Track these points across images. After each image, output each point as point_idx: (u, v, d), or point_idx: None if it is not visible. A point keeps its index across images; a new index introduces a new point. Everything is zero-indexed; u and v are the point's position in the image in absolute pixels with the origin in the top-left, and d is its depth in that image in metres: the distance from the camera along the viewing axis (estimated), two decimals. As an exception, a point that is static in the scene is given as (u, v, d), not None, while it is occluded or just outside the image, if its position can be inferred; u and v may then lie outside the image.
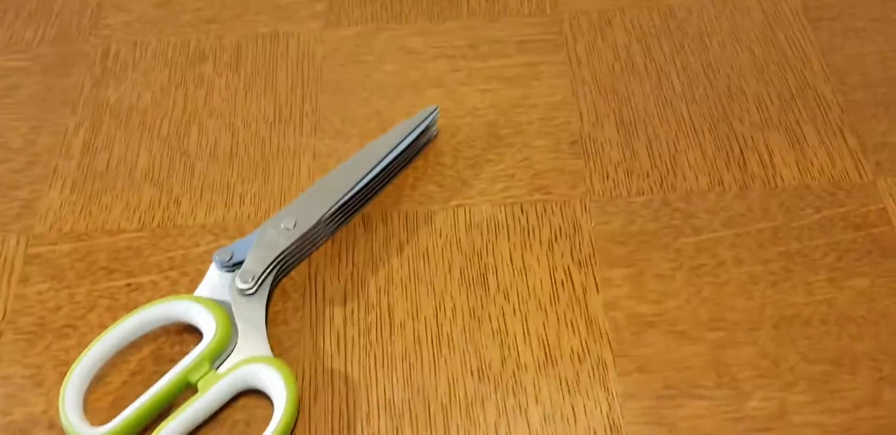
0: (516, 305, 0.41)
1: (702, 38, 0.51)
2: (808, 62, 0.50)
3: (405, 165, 0.47)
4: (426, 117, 0.46)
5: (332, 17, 0.55)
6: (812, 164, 0.45)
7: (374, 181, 0.45)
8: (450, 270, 0.43)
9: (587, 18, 0.53)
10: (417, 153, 0.48)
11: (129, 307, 0.42)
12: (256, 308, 0.40)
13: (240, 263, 0.42)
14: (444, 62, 0.52)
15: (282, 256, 0.42)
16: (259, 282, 0.41)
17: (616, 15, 0.53)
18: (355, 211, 0.45)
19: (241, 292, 0.41)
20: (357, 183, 0.44)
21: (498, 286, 0.42)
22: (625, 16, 0.53)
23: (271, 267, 0.41)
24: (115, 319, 0.42)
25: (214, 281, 0.41)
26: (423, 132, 0.47)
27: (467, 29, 0.53)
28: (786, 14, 0.52)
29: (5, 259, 0.44)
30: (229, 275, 0.42)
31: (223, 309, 0.40)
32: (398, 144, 0.46)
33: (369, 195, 0.46)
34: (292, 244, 0.42)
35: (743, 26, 0.52)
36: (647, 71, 0.50)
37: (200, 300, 0.40)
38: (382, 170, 0.45)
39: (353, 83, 0.51)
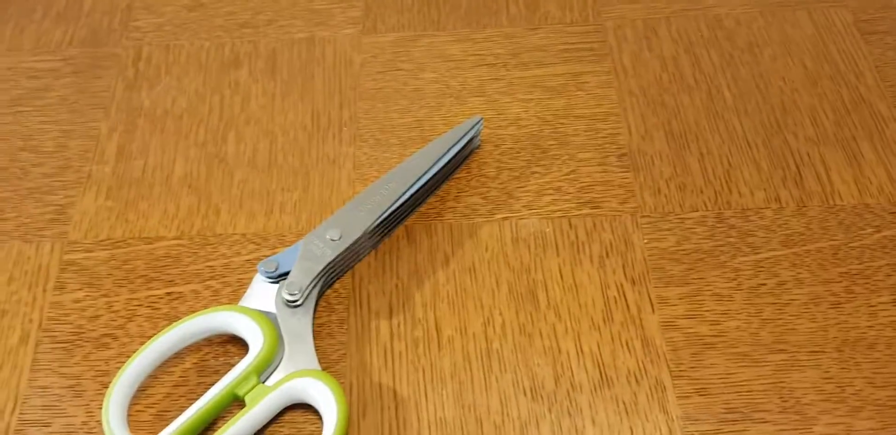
0: (568, 323, 0.40)
1: (752, 50, 0.50)
2: (862, 76, 0.48)
3: (448, 177, 0.46)
4: (470, 128, 0.45)
5: (369, 23, 0.54)
6: (871, 182, 0.44)
7: (417, 193, 0.44)
8: (497, 285, 0.42)
9: (632, 27, 0.52)
10: (461, 164, 0.46)
11: (170, 317, 0.41)
12: (303, 320, 0.39)
13: (284, 274, 0.40)
14: (484, 70, 0.51)
15: (327, 268, 0.41)
16: (306, 293, 0.39)
17: (661, 24, 0.52)
18: (399, 222, 0.44)
19: (288, 304, 0.39)
20: (402, 195, 0.43)
21: (548, 303, 0.41)
22: (671, 25, 0.52)
23: (318, 278, 0.40)
24: (155, 328, 0.40)
25: (259, 292, 0.40)
26: (467, 143, 0.45)
27: (507, 37, 0.52)
28: (837, 26, 0.51)
29: (40, 266, 0.43)
30: (274, 286, 0.40)
31: (269, 320, 0.38)
32: (442, 156, 0.44)
33: (413, 207, 0.44)
34: (338, 256, 0.41)
35: (794, 38, 0.51)
36: (696, 82, 0.49)
37: (246, 311, 0.38)
38: (427, 181, 0.44)
39: (392, 91, 0.50)
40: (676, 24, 0.52)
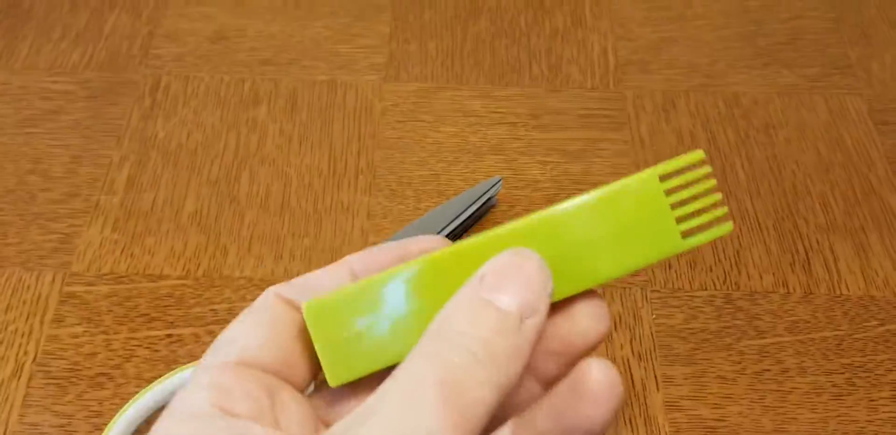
0: (573, 396, 0.40)
1: (767, 130, 0.51)
2: (874, 166, 0.49)
3: (462, 235, 0.46)
4: (489, 188, 0.45)
5: (392, 71, 0.54)
6: (877, 274, 0.44)
7: None
8: (503, 350, 0.41)
9: (651, 98, 0.52)
10: (475, 223, 0.46)
11: (168, 360, 0.40)
12: None
13: None
14: (504, 129, 0.51)
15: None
16: None
17: (681, 97, 0.53)
18: (408, 278, 0.44)
19: None
20: None
21: (554, 373, 0.41)
22: (689, 99, 0.52)
23: None
24: (153, 371, 0.39)
25: None
26: (484, 203, 0.45)
27: (529, 97, 0.53)
28: (851, 114, 0.52)
29: (39, 296, 0.42)
30: None
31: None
32: (460, 214, 0.44)
33: None
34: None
35: (809, 122, 0.51)
36: (711, 159, 0.49)
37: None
38: None
39: (411, 142, 0.50)
40: (695, 99, 0.52)
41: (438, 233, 0.43)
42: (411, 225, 0.44)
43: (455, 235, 0.44)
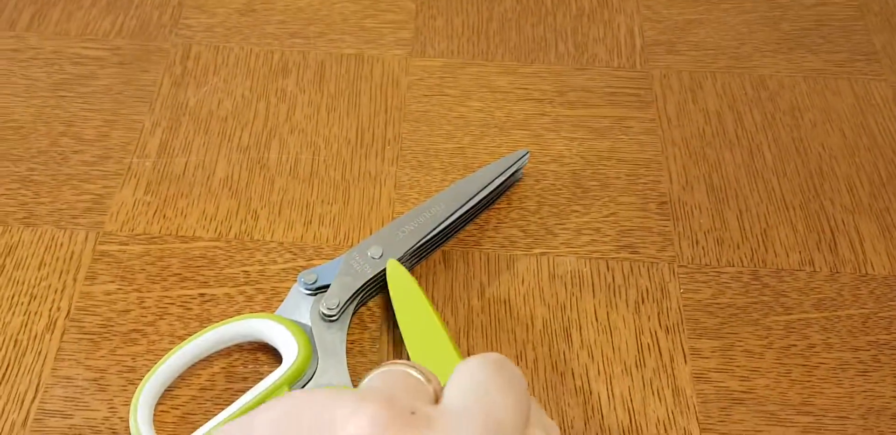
0: (601, 366, 0.40)
1: (793, 113, 0.51)
2: (899, 151, 0.50)
3: (488, 206, 0.46)
4: (516, 161, 0.45)
5: (418, 46, 0.54)
6: (903, 254, 0.45)
7: (459, 220, 0.44)
8: (531, 320, 0.42)
9: (678, 78, 0.53)
10: (501, 195, 0.47)
11: (202, 319, 0.40)
12: (337, 335, 0.39)
13: (322, 288, 0.40)
14: (530, 105, 0.51)
15: (366, 285, 0.40)
16: (343, 309, 0.39)
17: (707, 78, 0.53)
18: (437, 247, 0.44)
19: (324, 317, 0.39)
20: (445, 220, 0.43)
21: (582, 343, 0.41)
22: (716, 80, 0.53)
23: (355, 295, 0.40)
24: (186, 329, 0.40)
25: (295, 303, 0.40)
26: (511, 175, 0.46)
27: (555, 74, 0.53)
28: (876, 99, 0.52)
29: (72, 254, 0.42)
30: (311, 298, 0.40)
31: (305, 332, 0.38)
32: (487, 185, 0.44)
33: (452, 233, 0.44)
34: (377, 274, 0.41)
35: (834, 106, 0.52)
36: (738, 139, 0.50)
37: (283, 321, 0.38)
38: (469, 209, 0.44)
39: (437, 116, 0.50)
40: (722, 80, 0.53)
41: (465, 202, 0.43)
42: (438, 195, 0.44)
43: (480, 207, 0.45)
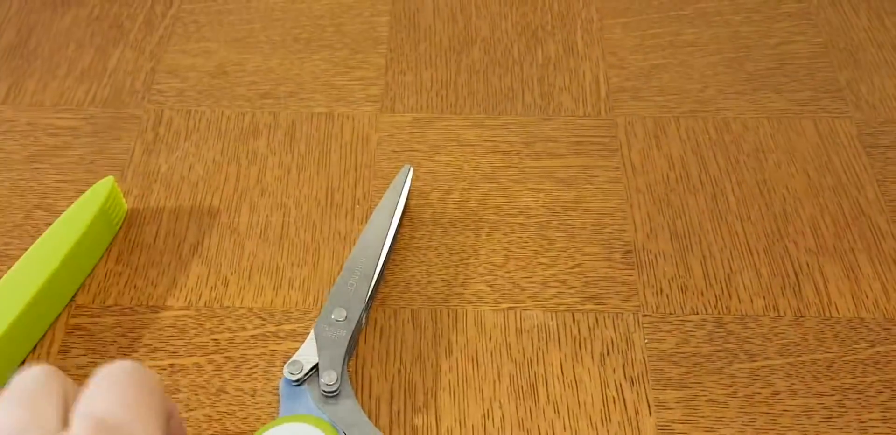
0: (566, 421, 0.41)
1: (757, 155, 0.52)
2: (863, 189, 0.50)
3: (400, 227, 0.47)
4: (404, 178, 0.47)
5: (388, 102, 0.55)
6: (867, 296, 0.45)
7: (389, 250, 0.45)
8: (499, 376, 0.42)
9: (642, 125, 0.53)
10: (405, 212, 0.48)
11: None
12: (347, 404, 0.39)
13: (310, 371, 0.40)
14: (497, 157, 0.52)
15: (349, 347, 0.41)
16: (341, 380, 0.40)
17: (671, 123, 0.54)
18: (381, 282, 0.45)
19: (327, 396, 0.39)
20: (380, 257, 0.44)
21: (548, 398, 0.41)
22: (680, 125, 0.53)
23: (345, 359, 0.41)
24: (155, 403, 0.40)
25: (290, 397, 0.40)
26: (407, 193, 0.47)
27: (522, 125, 0.54)
28: (840, 138, 0.53)
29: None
30: (303, 386, 0.40)
31: (332, 426, 0.38)
32: (395, 208, 0.46)
33: (384, 265, 0.45)
34: (352, 334, 0.41)
35: (798, 147, 0.52)
36: (701, 184, 0.50)
37: (320, 423, 0.38)
38: (393, 239, 0.46)
39: (406, 171, 0.51)
40: (686, 125, 0.53)
41: (387, 231, 0.45)
42: (363, 235, 0.45)
43: (396, 231, 0.46)
